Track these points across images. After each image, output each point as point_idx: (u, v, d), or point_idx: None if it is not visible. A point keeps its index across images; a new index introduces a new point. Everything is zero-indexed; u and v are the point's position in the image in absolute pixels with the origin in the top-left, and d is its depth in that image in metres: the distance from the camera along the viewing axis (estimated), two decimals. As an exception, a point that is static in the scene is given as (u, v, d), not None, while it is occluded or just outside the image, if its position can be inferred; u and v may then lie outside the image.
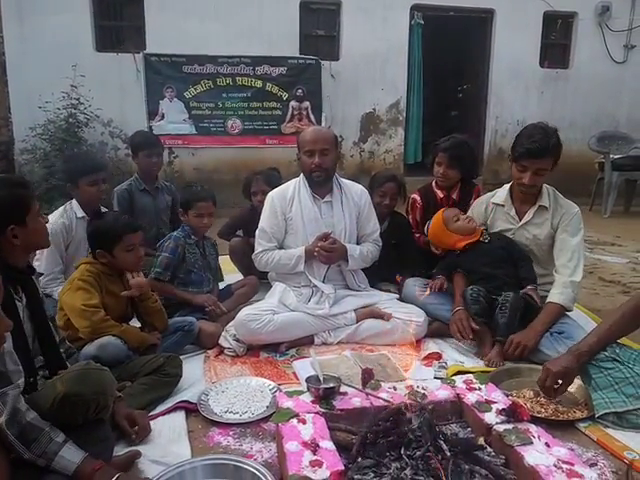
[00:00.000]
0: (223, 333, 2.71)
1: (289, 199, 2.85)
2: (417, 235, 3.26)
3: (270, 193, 2.95)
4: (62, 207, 3.05)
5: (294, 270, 2.80)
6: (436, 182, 3.22)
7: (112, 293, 2.32)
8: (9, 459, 1.44)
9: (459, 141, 3.12)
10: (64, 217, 2.96)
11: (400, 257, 3.25)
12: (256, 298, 3.13)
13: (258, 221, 3.07)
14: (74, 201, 3.03)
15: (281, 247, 2.88)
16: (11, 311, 1.58)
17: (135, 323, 2.50)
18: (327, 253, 2.72)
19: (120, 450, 1.75)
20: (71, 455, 1.47)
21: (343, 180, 2.96)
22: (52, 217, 2.85)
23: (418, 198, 3.27)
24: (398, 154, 7.98)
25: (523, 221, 2.72)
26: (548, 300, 2.56)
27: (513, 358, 2.44)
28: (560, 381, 1.98)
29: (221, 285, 3.20)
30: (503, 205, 2.78)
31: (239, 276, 3.48)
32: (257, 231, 2.89)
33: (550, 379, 1.96)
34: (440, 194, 3.18)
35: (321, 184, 2.81)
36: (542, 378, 1.99)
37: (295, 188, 2.87)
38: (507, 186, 2.81)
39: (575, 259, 2.60)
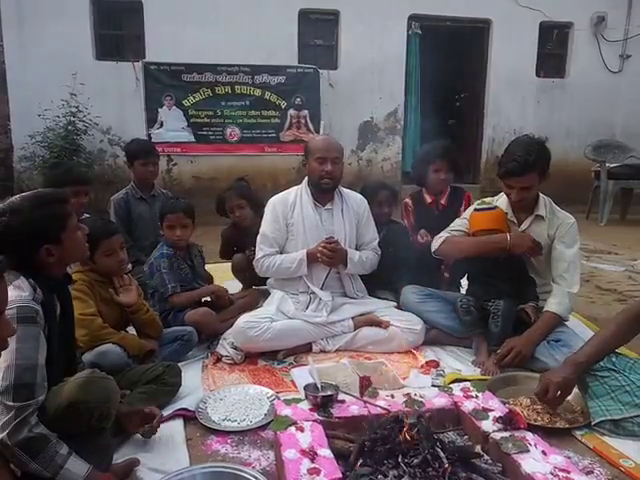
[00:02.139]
0: (221, 341, 2.73)
1: (290, 205, 2.87)
2: (415, 237, 3.30)
3: (271, 199, 2.97)
4: None
5: (296, 274, 2.80)
6: (426, 188, 3.29)
7: (106, 300, 2.32)
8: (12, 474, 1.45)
9: (448, 146, 3.26)
10: None
11: (398, 265, 3.27)
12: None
13: (245, 236, 3.16)
14: None
15: (281, 253, 2.89)
16: (52, 322, 1.61)
17: (132, 330, 2.51)
18: (330, 253, 2.73)
19: (118, 458, 1.75)
20: (76, 468, 1.47)
21: (343, 189, 2.99)
22: None
23: (410, 202, 3.36)
24: (396, 162, 8.02)
25: (520, 229, 2.71)
26: (546, 309, 2.57)
27: (508, 366, 2.44)
28: (559, 393, 1.98)
29: None
30: (506, 213, 2.76)
31: (239, 285, 3.51)
32: (258, 237, 2.91)
33: (552, 391, 1.95)
34: (429, 199, 3.27)
35: (326, 192, 2.84)
36: (543, 390, 1.97)
37: (297, 195, 2.90)
38: None
39: (571, 270, 2.60)
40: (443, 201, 3.24)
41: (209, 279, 3.22)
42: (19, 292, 1.52)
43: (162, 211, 2.91)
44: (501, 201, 2.79)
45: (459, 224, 2.82)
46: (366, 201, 3.03)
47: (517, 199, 2.58)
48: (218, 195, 3.49)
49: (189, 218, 2.88)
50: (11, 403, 1.42)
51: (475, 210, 2.72)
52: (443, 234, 2.81)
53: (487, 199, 2.85)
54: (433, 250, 2.82)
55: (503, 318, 2.52)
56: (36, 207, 1.58)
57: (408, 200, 3.37)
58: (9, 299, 1.48)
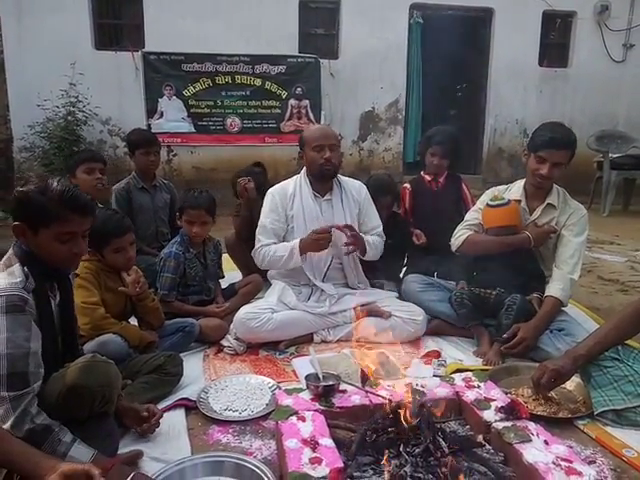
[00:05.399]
0: (223, 332, 2.72)
1: (290, 196, 2.85)
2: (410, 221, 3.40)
3: (270, 190, 2.95)
4: None
5: (290, 263, 2.76)
6: (425, 169, 3.42)
7: (111, 290, 2.31)
8: None
9: (451, 134, 3.36)
10: None
11: (399, 255, 3.30)
12: (257, 296, 3.12)
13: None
14: None
15: (280, 244, 2.87)
16: (46, 311, 1.61)
17: (132, 321, 2.50)
18: (353, 239, 2.70)
19: (121, 449, 1.74)
20: (80, 454, 1.47)
21: (342, 177, 2.96)
22: None
23: (408, 186, 3.47)
24: (397, 152, 7.99)
25: (532, 218, 2.70)
26: (548, 293, 2.57)
27: (513, 355, 2.44)
28: (553, 380, 1.99)
29: (225, 283, 3.18)
30: (520, 200, 2.74)
31: (239, 274, 3.48)
32: (258, 228, 2.88)
33: (546, 377, 1.97)
34: (428, 177, 3.40)
35: (327, 179, 2.82)
36: (537, 376, 2.00)
37: (296, 185, 2.87)
38: (521, 182, 2.78)
39: (576, 257, 2.61)
40: (441, 180, 3.36)
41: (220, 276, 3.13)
42: (11, 279, 1.51)
43: (183, 204, 2.80)
44: (515, 189, 2.78)
45: (475, 217, 2.81)
46: (365, 187, 3.01)
47: (548, 174, 2.56)
48: (235, 174, 3.52)
49: (210, 215, 2.81)
50: (5, 394, 1.41)
51: (489, 206, 2.71)
52: (462, 231, 2.79)
53: (499, 187, 2.86)
54: (454, 249, 2.82)
55: (517, 312, 2.51)
56: (44, 192, 1.55)
57: (407, 185, 3.49)
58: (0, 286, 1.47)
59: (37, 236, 1.57)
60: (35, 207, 1.55)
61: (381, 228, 2.97)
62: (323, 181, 2.83)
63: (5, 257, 1.62)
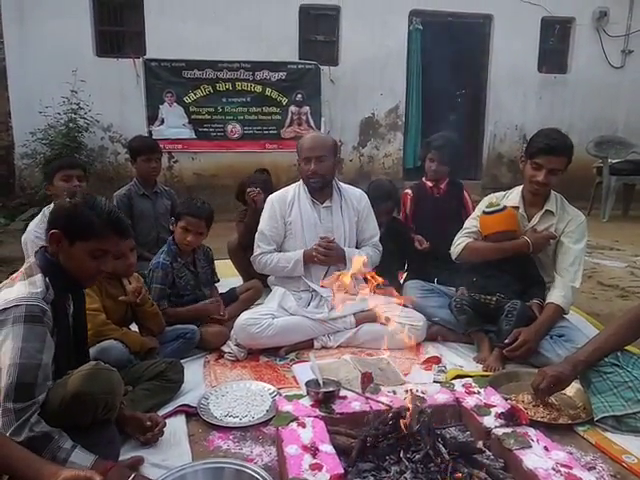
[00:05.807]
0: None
1: (289, 203, 2.86)
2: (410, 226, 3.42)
3: (270, 196, 2.96)
4: (41, 213, 2.96)
5: (293, 273, 2.81)
6: (425, 175, 3.43)
7: (112, 296, 2.32)
8: None
9: (450, 141, 3.36)
10: (40, 227, 2.74)
11: (399, 261, 3.30)
12: (257, 302, 3.13)
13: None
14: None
15: (280, 250, 2.89)
16: (63, 323, 1.63)
17: (133, 327, 2.51)
18: (325, 250, 2.72)
19: (122, 454, 1.74)
20: (81, 459, 1.47)
21: (342, 185, 2.97)
22: (31, 224, 2.87)
23: (410, 192, 3.47)
24: (397, 158, 8.01)
25: (530, 224, 2.71)
26: (550, 300, 2.57)
27: (515, 358, 2.45)
28: (553, 386, 1.99)
29: (225, 288, 3.18)
30: (518, 207, 2.75)
31: (240, 279, 3.49)
32: (257, 234, 2.90)
33: (545, 382, 1.97)
34: (429, 184, 3.40)
35: (319, 190, 2.83)
36: (537, 381, 2.00)
37: (295, 192, 2.88)
38: (519, 188, 2.79)
39: (576, 264, 2.62)
40: (443, 186, 3.36)
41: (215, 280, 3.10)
42: (32, 288, 1.54)
43: (182, 210, 2.77)
44: (513, 196, 2.78)
45: (473, 225, 2.81)
46: (366, 196, 3.02)
47: (545, 181, 2.57)
48: (242, 182, 3.52)
49: (207, 227, 2.80)
50: (11, 405, 1.43)
51: (485, 213, 2.72)
52: (461, 239, 2.80)
53: (495, 194, 2.86)
54: (454, 257, 2.83)
55: (517, 318, 2.51)
56: (93, 208, 1.62)
57: (408, 190, 3.48)
58: (20, 295, 1.50)
59: (72, 247, 1.61)
60: (81, 220, 1.59)
61: (377, 238, 2.98)
62: (314, 191, 2.83)
63: (26, 265, 1.64)
